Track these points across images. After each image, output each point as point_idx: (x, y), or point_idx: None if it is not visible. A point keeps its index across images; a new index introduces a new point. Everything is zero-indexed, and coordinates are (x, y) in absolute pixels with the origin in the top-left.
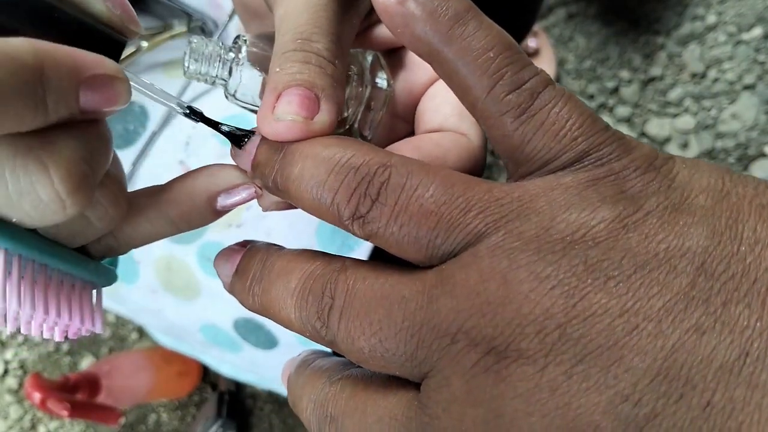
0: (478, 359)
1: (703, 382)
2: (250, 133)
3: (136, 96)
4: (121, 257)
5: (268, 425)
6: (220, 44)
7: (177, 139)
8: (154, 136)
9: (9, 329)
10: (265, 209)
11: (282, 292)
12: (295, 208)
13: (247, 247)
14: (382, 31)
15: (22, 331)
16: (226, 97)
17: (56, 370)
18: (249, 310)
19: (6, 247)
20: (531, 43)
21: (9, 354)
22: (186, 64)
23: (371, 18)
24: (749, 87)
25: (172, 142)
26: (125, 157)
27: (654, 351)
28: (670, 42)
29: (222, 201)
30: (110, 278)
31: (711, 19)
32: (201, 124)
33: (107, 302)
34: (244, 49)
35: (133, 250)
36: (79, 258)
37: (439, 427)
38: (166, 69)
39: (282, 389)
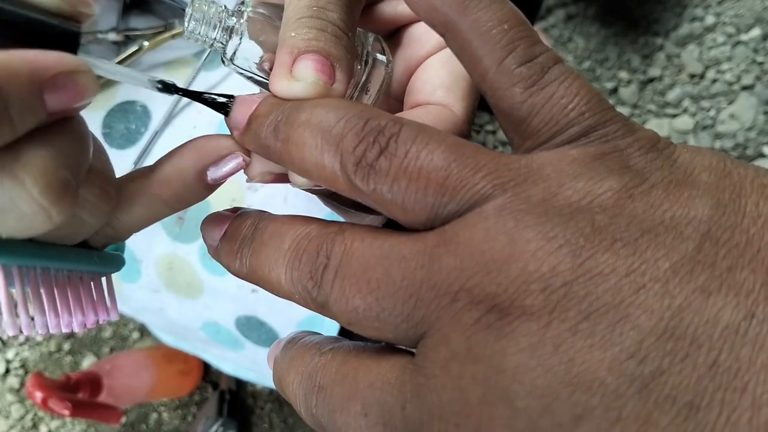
0: (479, 317)
1: (709, 341)
2: (231, 98)
3: (138, 95)
4: (123, 256)
5: (269, 424)
6: (223, 7)
7: (179, 138)
8: (156, 135)
9: (25, 334)
10: (250, 179)
11: (274, 253)
12: (282, 181)
13: (237, 213)
14: (383, 10)
15: (39, 334)
16: (223, 61)
17: (58, 369)
18: (234, 274)
19: (3, 262)
20: None
21: (10, 353)
22: (186, 24)
23: None
24: (748, 87)
25: (174, 141)
26: (127, 156)
27: (660, 310)
28: (669, 43)
29: (212, 174)
30: (117, 264)
31: (709, 20)
32: (204, 124)
33: None
34: (246, 14)
35: (135, 250)
36: (80, 253)
37: (436, 386)
38: (167, 68)
39: None
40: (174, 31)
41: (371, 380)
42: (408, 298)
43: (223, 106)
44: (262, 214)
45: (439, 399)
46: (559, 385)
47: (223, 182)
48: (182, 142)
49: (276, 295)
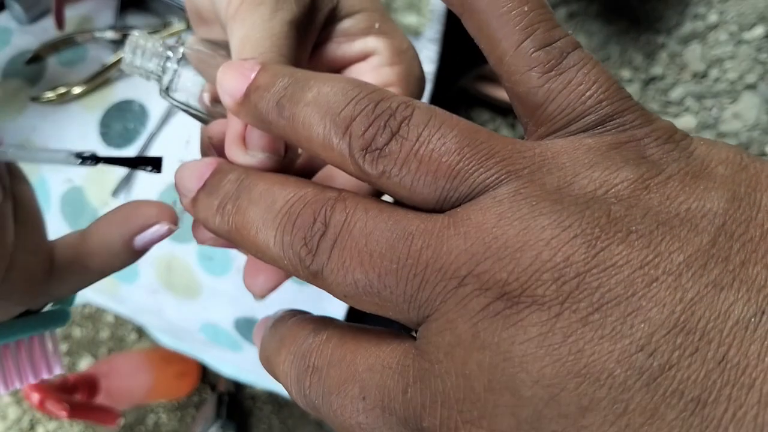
0: (487, 303)
1: (719, 336)
2: (157, 159)
3: (135, 95)
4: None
5: (268, 426)
6: (161, 41)
7: (177, 137)
8: (154, 135)
9: None
10: (200, 242)
11: (263, 213)
12: (232, 247)
13: (217, 164)
14: (331, 50)
15: None
16: (160, 93)
17: None
18: (213, 231)
19: None
20: None
21: None
22: (124, 57)
23: (319, 37)
24: (750, 86)
25: (172, 140)
26: (125, 156)
27: (672, 303)
28: (672, 41)
29: (139, 241)
30: (60, 321)
31: (712, 18)
32: (203, 122)
33: (107, 302)
34: (181, 49)
35: None
36: (14, 325)
37: (440, 372)
38: None
39: (283, 389)
40: (172, 30)
41: (370, 363)
42: (412, 278)
43: (154, 162)
44: (247, 169)
45: (443, 385)
46: (566, 375)
47: (152, 246)
48: (180, 142)
49: (259, 258)
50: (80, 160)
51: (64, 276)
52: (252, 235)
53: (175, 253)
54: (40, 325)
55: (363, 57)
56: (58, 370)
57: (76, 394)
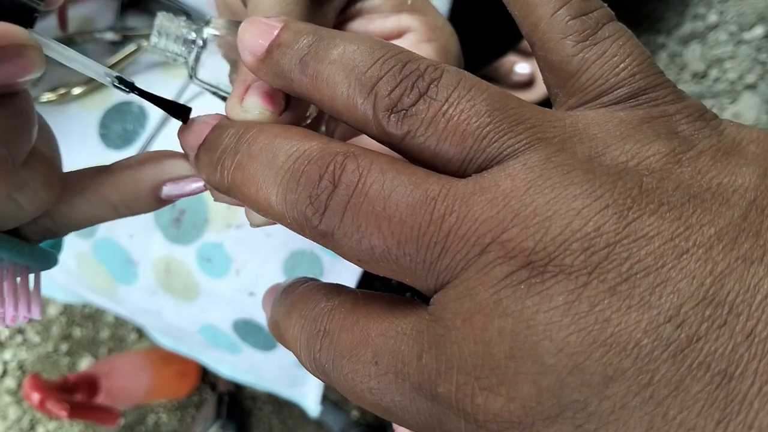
0: (511, 271)
1: (747, 310)
2: (186, 110)
3: (136, 96)
4: (118, 259)
5: (268, 426)
6: (184, 23)
7: (176, 139)
8: (153, 136)
9: None
10: (254, 225)
11: (264, 169)
12: (273, 223)
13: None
14: (362, 25)
15: None
16: (189, 76)
17: (55, 370)
18: (215, 188)
19: None
20: (522, 68)
21: (8, 354)
22: (150, 39)
23: (346, 13)
24: (750, 86)
25: (171, 142)
26: (124, 157)
27: (702, 275)
28: (671, 41)
29: (167, 190)
30: (49, 262)
31: (712, 18)
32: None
33: (106, 303)
34: (206, 31)
35: (132, 252)
36: (10, 241)
37: (456, 338)
38: (165, 68)
39: (281, 390)
40: None
41: (383, 329)
42: (433, 245)
43: (182, 110)
44: (248, 123)
45: (459, 351)
46: (592, 344)
47: (175, 200)
48: (179, 144)
49: (263, 215)
50: (117, 81)
51: (75, 200)
52: (252, 193)
53: (174, 255)
54: (29, 255)
55: (398, 34)
56: (36, 313)
57: (76, 394)
